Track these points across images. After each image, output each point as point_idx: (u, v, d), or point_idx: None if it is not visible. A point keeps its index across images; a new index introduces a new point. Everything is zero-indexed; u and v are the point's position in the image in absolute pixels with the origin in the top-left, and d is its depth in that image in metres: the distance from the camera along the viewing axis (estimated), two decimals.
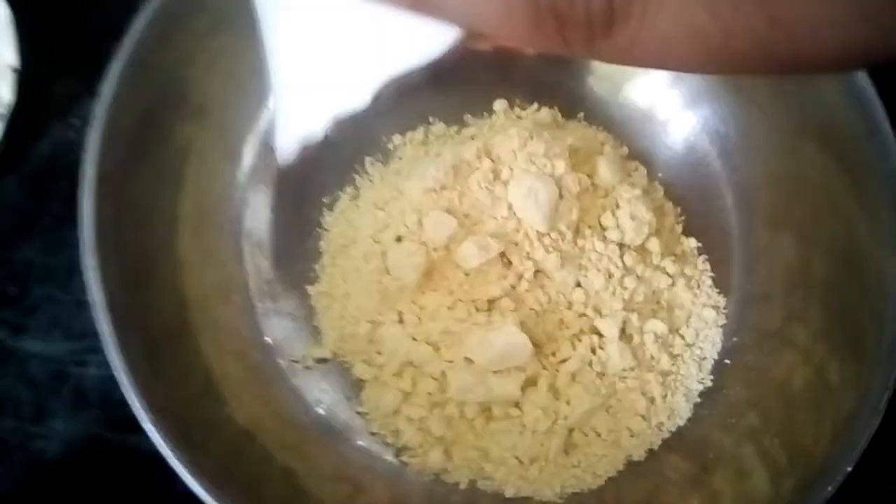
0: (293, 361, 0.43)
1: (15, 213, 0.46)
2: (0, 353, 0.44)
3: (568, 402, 0.42)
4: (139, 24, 0.37)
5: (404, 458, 0.41)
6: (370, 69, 0.22)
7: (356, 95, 0.22)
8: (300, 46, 0.23)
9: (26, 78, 0.44)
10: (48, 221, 0.46)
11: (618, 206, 0.44)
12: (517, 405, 0.41)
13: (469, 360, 0.41)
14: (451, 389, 0.41)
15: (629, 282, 0.43)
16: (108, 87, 0.36)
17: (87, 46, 0.48)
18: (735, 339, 0.45)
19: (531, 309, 0.42)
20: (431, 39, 0.20)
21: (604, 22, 0.17)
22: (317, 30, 0.23)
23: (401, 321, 0.42)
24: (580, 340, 0.42)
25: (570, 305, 0.43)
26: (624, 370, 0.42)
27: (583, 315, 0.43)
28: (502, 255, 0.41)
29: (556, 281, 0.42)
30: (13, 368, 0.44)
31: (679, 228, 0.47)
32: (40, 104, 0.46)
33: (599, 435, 0.42)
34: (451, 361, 0.41)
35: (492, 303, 0.42)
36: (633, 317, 0.43)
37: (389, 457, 0.41)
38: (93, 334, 0.44)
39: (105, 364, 0.44)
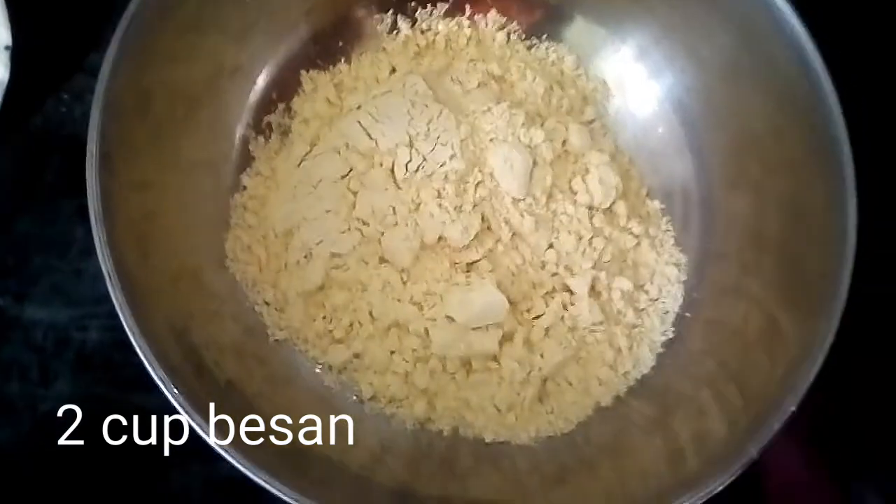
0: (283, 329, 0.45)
1: (11, 186, 0.48)
2: (4, 321, 0.46)
3: (542, 355, 0.45)
4: (133, 5, 0.38)
5: (393, 409, 0.44)
6: None
7: None
8: None
9: (18, 54, 0.45)
10: (44, 193, 0.48)
11: (587, 171, 0.47)
12: (495, 358, 0.45)
13: (450, 319, 0.43)
14: (433, 346, 0.44)
15: (598, 242, 0.46)
16: (107, 66, 0.37)
17: (78, 22, 0.49)
18: (695, 294, 0.48)
19: (507, 269, 0.45)
20: None
21: None
22: None
23: (386, 284, 0.44)
24: (553, 298, 0.46)
25: (543, 265, 0.46)
26: (593, 324, 0.46)
27: (555, 274, 0.46)
28: (482, 220, 0.44)
29: (531, 243, 0.45)
30: (18, 335, 0.46)
31: (644, 191, 0.51)
32: (32, 79, 0.47)
33: (571, 384, 0.46)
34: (433, 320, 0.44)
35: (471, 265, 0.45)
36: (602, 275, 0.46)
37: (378, 408, 0.44)
38: (92, 301, 0.47)
39: (106, 329, 0.47)
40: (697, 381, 0.45)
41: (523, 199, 0.45)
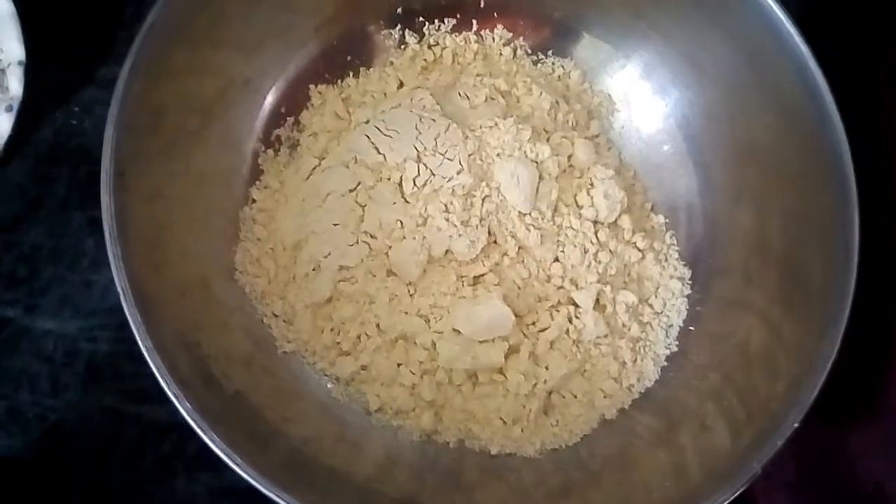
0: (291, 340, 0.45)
1: (21, 198, 0.48)
2: (15, 332, 0.46)
3: (547, 368, 0.45)
4: (147, 23, 0.39)
5: (400, 421, 0.45)
6: None
7: None
8: None
9: (29, 68, 0.45)
10: (53, 204, 0.48)
11: (592, 185, 0.48)
12: (501, 371, 0.45)
13: (457, 331, 0.44)
14: (440, 358, 0.44)
15: (603, 256, 0.47)
16: (121, 83, 0.37)
17: (86, 35, 0.50)
18: (699, 307, 0.48)
19: (513, 283, 0.45)
20: None
21: None
22: None
23: (394, 297, 0.45)
24: (558, 311, 0.46)
25: (549, 279, 0.46)
26: (598, 337, 0.46)
27: (561, 288, 0.46)
28: (489, 234, 0.45)
29: (537, 257, 0.46)
30: (28, 345, 0.46)
31: (648, 206, 0.51)
32: (41, 91, 0.47)
33: (575, 397, 0.46)
34: (440, 332, 0.44)
35: (477, 278, 0.45)
36: (607, 288, 0.47)
37: (385, 420, 0.45)
38: (101, 312, 0.47)
39: (115, 340, 0.47)
40: (701, 395, 0.45)
41: (529, 214, 0.46)
